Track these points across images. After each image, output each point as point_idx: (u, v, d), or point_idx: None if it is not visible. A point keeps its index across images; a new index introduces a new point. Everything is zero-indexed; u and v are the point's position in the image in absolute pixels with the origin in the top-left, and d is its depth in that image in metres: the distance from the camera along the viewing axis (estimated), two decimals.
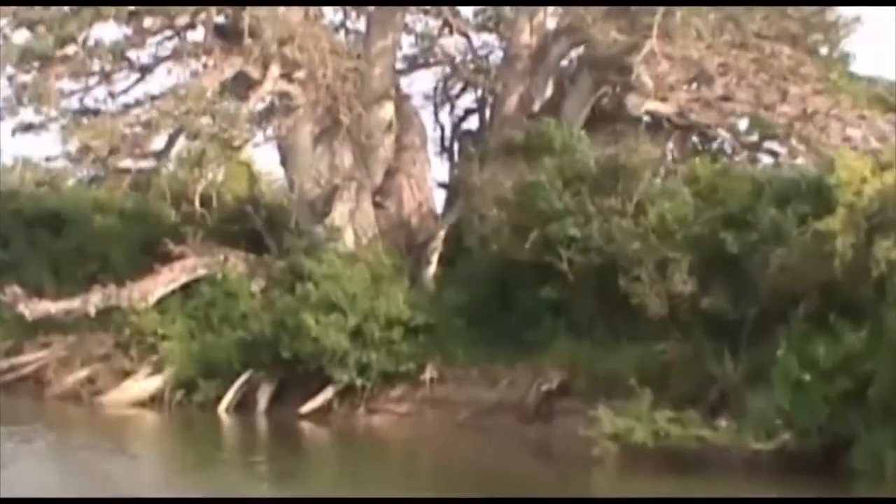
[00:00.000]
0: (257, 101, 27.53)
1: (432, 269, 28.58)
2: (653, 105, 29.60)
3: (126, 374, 28.63)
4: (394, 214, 30.48)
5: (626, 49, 28.15)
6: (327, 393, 26.32)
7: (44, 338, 30.82)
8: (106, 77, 27.83)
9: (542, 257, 24.94)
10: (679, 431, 20.22)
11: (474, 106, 32.69)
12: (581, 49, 30.42)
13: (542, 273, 25.21)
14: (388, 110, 30.38)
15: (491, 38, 33.48)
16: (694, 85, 28.74)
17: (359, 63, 29.08)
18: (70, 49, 27.74)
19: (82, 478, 19.65)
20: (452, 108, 33.15)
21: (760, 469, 19.63)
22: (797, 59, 28.36)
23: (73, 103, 28.57)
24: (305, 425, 26.06)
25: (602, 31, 28.31)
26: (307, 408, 26.24)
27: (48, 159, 31.10)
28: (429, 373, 25.99)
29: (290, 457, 23.59)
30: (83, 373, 29.22)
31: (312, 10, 29.16)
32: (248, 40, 27.13)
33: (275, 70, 27.89)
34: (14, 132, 29.97)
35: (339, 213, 29.22)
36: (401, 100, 31.04)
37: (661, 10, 27.08)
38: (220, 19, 29.00)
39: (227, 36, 28.69)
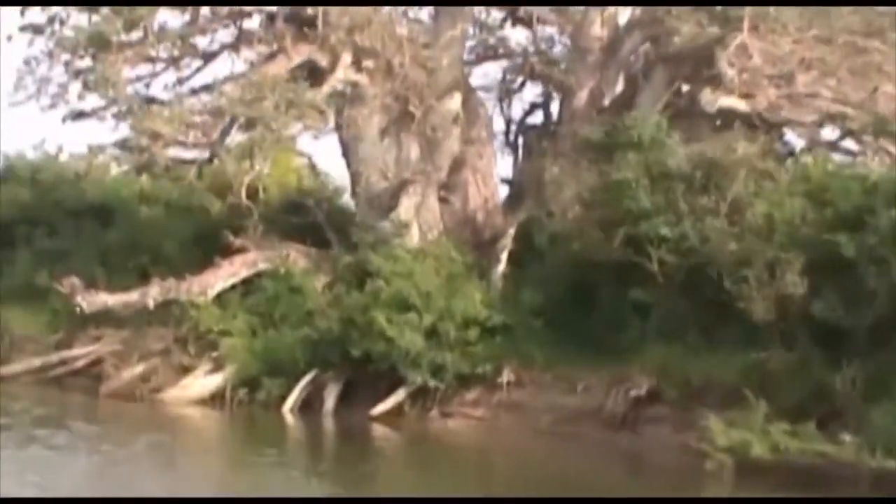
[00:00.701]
0: (329, 90, 25.70)
1: (501, 267, 26.97)
2: (728, 101, 27.97)
3: (184, 371, 26.91)
4: (459, 210, 28.90)
5: (707, 43, 26.45)
6: (399, 394, 24.63)
7: (95, 331, 29.14)
8: (174, 62, 26.10)
9: (627, 257, 23.26)
10: (797, 445, 18.47)
11: (539, 100, 30.92)
12: (655, 43, 28.71)
13: (627, 274, 23.60)
14: (455, 102, 28.78)
15: (554, 31, 31.71)
16: (776, 81, 26.86)
17: (432, 52, 27.34)
18: (134, 34, 26.13)
19: (214, 484, 18.16)
20: (510, 102, 31.43)
21: (889, 488, 17.89)
22: (885, 56, 26.63)
23: (135, 90, 27.00)
24: (376, 427, 24.32)
25: (682, 24, 26.63)
26: (378, 409, 24.49)
27: (91, 148, 29.68)
28: (505, 376, 24.32)
29: (367, 461, 21.92)
30: (139, 368, 27.44)
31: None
32: (321, 27, 25.36)
33: (346, 58, 26.21)
34: (65, 120, 28.46)
35: (405, 207, 27.58)
36: (468, 92, 29.33)
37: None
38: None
39: (292, 23, 27.06)
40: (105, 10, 25.62)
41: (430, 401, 24.65)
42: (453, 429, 24.25)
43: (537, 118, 31.22)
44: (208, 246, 29.07)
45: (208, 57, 27.65)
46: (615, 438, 22.54)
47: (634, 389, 22.55)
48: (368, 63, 27.01)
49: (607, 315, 24.08)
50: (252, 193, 29.36)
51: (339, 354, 25.13)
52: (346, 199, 30.82)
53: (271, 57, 26.22)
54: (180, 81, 26.42)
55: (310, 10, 27.14)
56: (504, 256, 27.02)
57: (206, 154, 28.66)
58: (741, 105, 27.75)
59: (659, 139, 23.92)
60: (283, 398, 25.44)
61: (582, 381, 23.78)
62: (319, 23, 25.45)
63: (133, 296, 26.50)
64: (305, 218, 29.08)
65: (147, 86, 26.70)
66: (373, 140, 27.67)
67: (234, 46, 27.73)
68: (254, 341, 26.39)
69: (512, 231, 27.19)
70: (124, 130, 27.54)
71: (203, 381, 26.46)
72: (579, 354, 24.11)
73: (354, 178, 28.12)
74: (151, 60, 26.30)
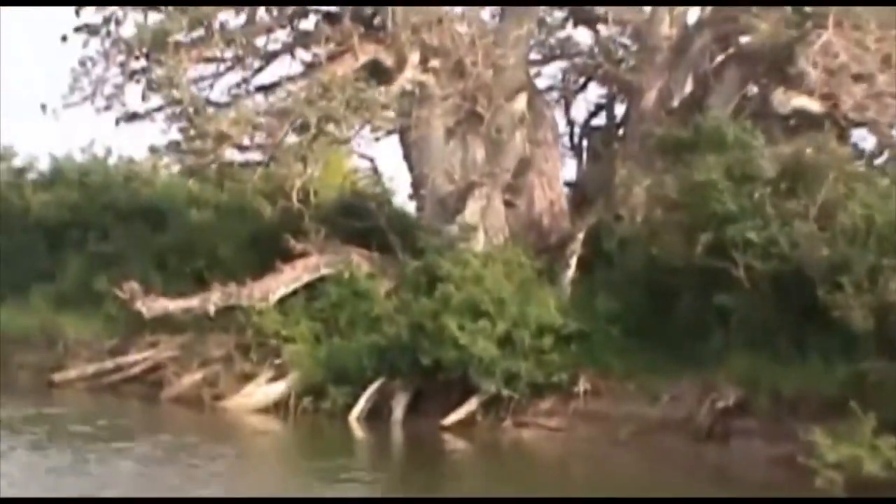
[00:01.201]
0: (398, 90, 24.58)
1: (570, 272, 25.81)
2: (800, 102, 26.83)
3: (246, 378, 25.90)
4: (524, 214, 27.83)
5: (787, 42, 25.24)
6: (471, 404, 23.49)
7: (151, 336, 28.15)
8: (238, 62, 25.05)
9: (710, 262, 22.06)
10: None
11: (603, 101, 29.74)
12: (726, 41, 27.58)
13: (708, 279, 22.42)
14: (520, 103, 27.65)
15: (617, 30, 30.45)
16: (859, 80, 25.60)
17: (500, 51, 26.20)
18: (196, 34, 25.12)
19: None
20: (569, 103, 30.19)
21: None
22: None
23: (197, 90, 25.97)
24: (448, 437, 23.19)
25: (759, 22, 25.46)
26: (450, 419, 23.36)
27: (153, 150, 28.80)
28: (582, 385, 23.12)
29: (444, 473, 21.00)
30: (200, 375, 26.41)
31: None
32: (390, 26, 24.28)
33: (414, 57, 25.13)
34: (118, 122, 27.56)
35: (471, 210, 26.51)
36: (533, 93, 28.17)
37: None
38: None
39: (357, 22, 26.02)
40: (168, 8, 24.50)
41: (503, 410, 23.53)
42: (528, 439, 23.11)
43: (600, 120, 29.99)
44: (264, 250, 28.15)
45: (268, 57, 26.59)
46: (701, 451, 21.38)
47: (722, 400, 21.30)
48: (435, 63, 25.90)
49: (688, 322, 22.90)
50: (304, 197, 28.49)
51: (408, 362, 24.04)
52: (401, 202, 29.88)
53: (335, 56, 25.02)
54: (245, 82, 25.26)
55: (370, 10, 26.21)
56: (573, 261, 25.89)
57: (260, 156, 27.67)
58: (814, 105, 26.65)
59: (744, 140, 22.67)
60: (350, 407, 24.39)
61: (661, 391, 22.54)
62: (389, 21, 24.27)
63: (194, 301, 25.58)
64: (363, 221, 28.04)
65: (211, 86, 25.65)
66: (438, 142, 26.56)
67: (292, 47, 26.72)
68: (318, 348, 25.41)
69: (581, 235, 26.02)
70: (175, 132, 26.81)
71: (266, 389, 25.44)
72: (658, 363, 22.97)
73: (419, 180, 26.96)
74: (213, 61, 25.22)
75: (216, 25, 25.13)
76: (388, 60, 25.69)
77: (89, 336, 29.47)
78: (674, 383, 22.56)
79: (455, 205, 26.31)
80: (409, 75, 25.02)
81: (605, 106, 29.97)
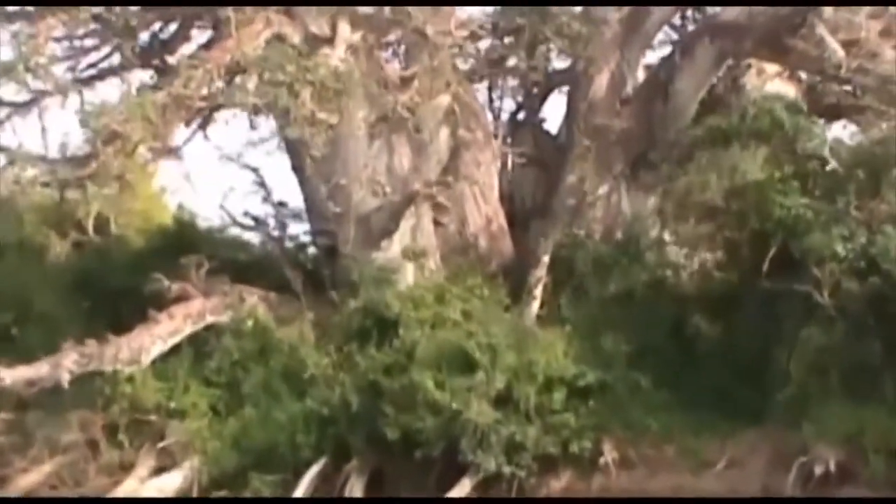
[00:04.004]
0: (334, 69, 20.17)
1: (535, 306, 22.04)
2: (775, 86, 24.24)
3: (120, 469, 20.91)
4: (454, 233, 23.76)
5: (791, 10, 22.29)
6: (463, 487, 19.34)
7: None
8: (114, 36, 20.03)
9: (778, 285, 18.78)
10: None
11: (535, 90, 25.94)
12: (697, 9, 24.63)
13: (766, 307, 19.09)
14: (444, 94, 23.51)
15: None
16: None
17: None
18: None
19: None
20: (492, 95, 26.35)
21: None
22: None
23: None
24: None
25: None
26: None
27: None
28: (608, 453, 19.24)
29: None
30: (47, 468, 21.15)
31: None
32: None
33: (345, 28, 20.79)
34: None
35: (401, 232, 22.32)
36: (458, 81, 24.11)
37: None
38: None
39: None
40: None
41: (502, 493, 19.44)
42: None
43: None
44: (98, 296, 23.93)
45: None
46: None
47: (819, 464, 17.86)
48: (355, 37, 21.58)
49: (737, 364, 19.55)
50: (101, 225, 23.74)
51: (362, 435, 19.87)
52: None
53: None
54: (127, 61, 20.20)
55: None
56: (538, 292, 22.10)
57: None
58: (790, 91, 24.11)
59: (804, 126, 19.44)
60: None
61: (712, 457, 19.05)
62: None
63: (41, 369, 20.49)
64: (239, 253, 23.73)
65: (72, 69, 20.44)
66: (359, 143, 22.28)
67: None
68: (222, 423, 20.89)
69: (546, 259, 22.28)
70: None
71: (157, 483, 20.66)
72: (701, 419, 19.44)
73: (330, 193, 22.43)
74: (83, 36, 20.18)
75: None
76: (295, 36, 21.17)
77: None
78: (729, 445, 19.07)
79: (386, 224, 22.04)
80: (341, 53, 20.52)
81: (528, 97, 26.12)
